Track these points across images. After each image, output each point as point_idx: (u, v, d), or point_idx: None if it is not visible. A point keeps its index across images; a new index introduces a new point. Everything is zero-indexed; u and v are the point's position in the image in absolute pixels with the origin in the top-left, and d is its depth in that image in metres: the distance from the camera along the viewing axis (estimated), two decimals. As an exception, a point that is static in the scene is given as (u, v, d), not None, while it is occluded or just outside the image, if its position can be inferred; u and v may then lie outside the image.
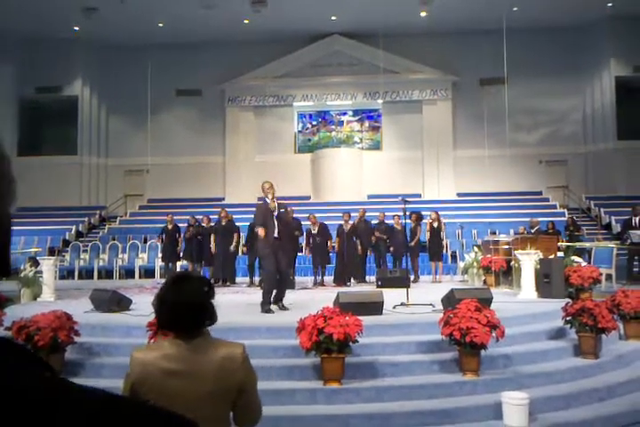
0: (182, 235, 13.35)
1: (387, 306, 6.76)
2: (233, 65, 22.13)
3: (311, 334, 4.91)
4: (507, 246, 10.57)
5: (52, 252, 16.30)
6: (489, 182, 21.41)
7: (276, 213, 7.45)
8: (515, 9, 19.36)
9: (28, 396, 0.53)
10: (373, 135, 23.30)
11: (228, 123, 22.90)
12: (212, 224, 13.08)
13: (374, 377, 5.23)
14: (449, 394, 5.04)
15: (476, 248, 12.58)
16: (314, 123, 23.63)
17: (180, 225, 13.66)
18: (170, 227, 13.53)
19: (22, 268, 9.84)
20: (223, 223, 12.64)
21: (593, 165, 21.60)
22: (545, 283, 8.32)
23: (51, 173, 21.79)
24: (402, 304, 7.27)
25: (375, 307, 6.54)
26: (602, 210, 19.14)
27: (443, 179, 21.86)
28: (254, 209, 7.89)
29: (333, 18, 20.69)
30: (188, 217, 13.99)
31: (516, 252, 9.17)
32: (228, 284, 12.37)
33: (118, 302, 7.31)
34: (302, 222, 12.51)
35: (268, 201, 7.49)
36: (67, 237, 18.96)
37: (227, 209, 13.56)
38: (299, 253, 12.89)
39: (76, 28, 20.68)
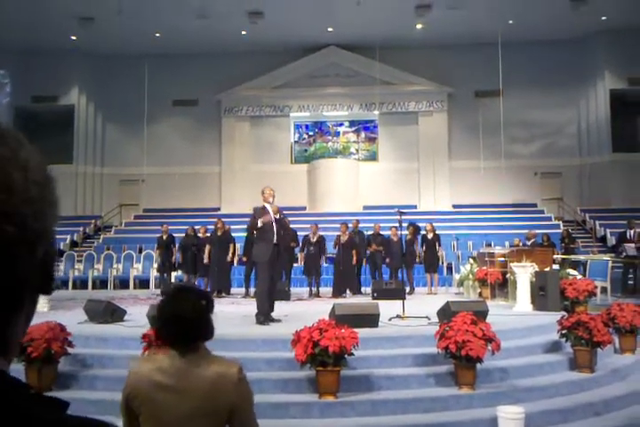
0: (177, 245, 13.30)
1: (382, 318, 6.74)
2: (229, 75, 22.20)
3: (306, 347, 4.88)
4: (502, 259, 10.57)
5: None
6: (484, 194, 21.46)
7: (277, 217, 7.40)
8: (510, 22, 19.52)
9: None
10: (369, 146, 23.36)
11: (224, 133, 22.93)
12: (208, 235, 13.05)
13: (370, 390, 5.20)
14: (445, 408, 5.02)
15: (471, 260, 12.58)
16: (310, 133, 23.69)
17: (174, 235, 13.62)
18: (164, 237, 13.49)
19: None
20: (219, 234, 12.62)
21: (588, 178, 21.69)
22: (540, 296, 8.32)
23: (46, 182, 21.71)
24: (398, 317, 7.26)
25: (371, 319, 6.51)
26: (597, 222, 19.19)
27: (438, 190, 21.91)
28: (251, 213, 7.73)
29: (330, 29, 20.81)
30: (185, 227, 13.95)
31: (511, 264, 9.17)
32: (223, 295, 12.32)
33: (112, 313, 7.26)
34: (299, 233, 12.50)
35: (269, 207, 7.45)
36: (61, 247, 18.86)
37: (223, 219, 13.54)
38: (294, 264, 12.86)
39: (73, 38, 20.72)
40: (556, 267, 9.90)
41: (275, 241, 7.33)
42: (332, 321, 5.29)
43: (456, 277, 13.28)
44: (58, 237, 18.24)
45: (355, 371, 5.34)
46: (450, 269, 15.58)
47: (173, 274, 13.91)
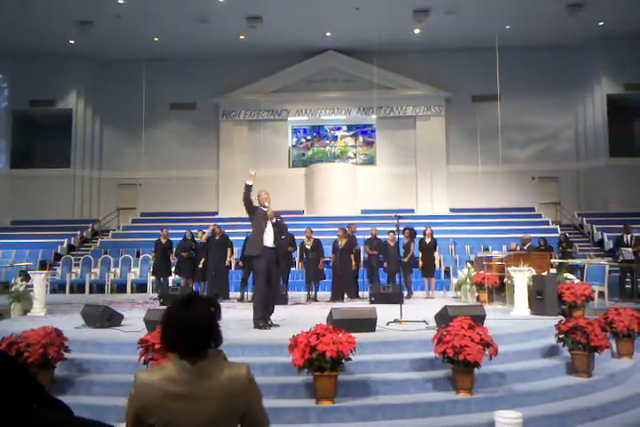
0: (175, 249, 13.28)
1: (380, 322, 6.73)
2: (227, 79, 22.24)
3: (304, 352, 4.87)
4: (500, 263, 10.57)
5: (43, 265, 16.20)
6: (482, 198, 21.51)
7: (273, 221, 7.39)
8: (507, 27, 19.60)
9: None
10: (367, 150, 23.39)
11: (222, 137, 22.95)
12: (205, 241, 13.02)
13: (367, 395, 5.18)
14: (442, 413, 5.01)
15: (469, 264, 12.58)
16: (308, 137, 23.72)
17: (172, 239, 13.61)
18: (164, 241, 13.47)
19: (13, 282, 9.77)
20: (217, 238, 12.61)
21: (585, 182, 21.75)
22: (538, 300, 8.32)
23: (44, 186, 21.74)
24: (395, 321, 7.25)
25: (368, 324, 6.51)
26: (594, 227, 19.23)
27: (436, 194, 21.94)
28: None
29: (328, 34, 20.87)
30: (183, 231, 13.93)
31: (508, 268, 9.18)
32: (220, 299, 12.29)
33: (109, 318, 7.24)
34: (296, 237, 12.49)
35: (265, 209, 7.44)
36: (58, 251, 18.85)
37: (220, 223, 13.53)
38: (292, 269, 12.86)
39: (72, 42, 20.74)
40: (553, 271, 9.90)
41: (271, 244, 7.32)
42: (330, 326, 5.28)
43: (454, 281, 13.28)
44: (56, 240, 18.28)
45: (352, 376, 5.33)
46: (447, 273, 15.58)
47: (170, 278, 13.88)
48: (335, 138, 23.71)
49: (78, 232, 20.63)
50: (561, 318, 7.07)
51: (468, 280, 11.71)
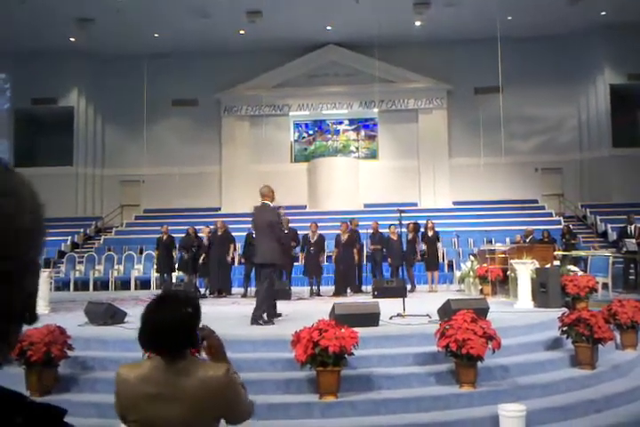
0: (178, 245, 13.29)
1: (383, 317, 6.73)
2: (229, 75, 22.18)
3: (306, 347, 4.87)
4: (503, 255, 10.56)
5: (47, 263, 16.24)
6: (485, 191, 21.44)
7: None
8: (509, 18, 19.48)
9: None
10: (369, 144, 23.34)
11: (223, 132, 22.92)
12: (208, 235, 13.02)
13: (370, 390, 5.19)
14: (446, 406, 5.01)
15: (472, 257, 12.56)
16: (310, 132, 23.67)
17: (175, 236, 13.61)
18: (164, 238, 13.48)
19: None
20: (219, 233, 12.61)
21: (588, 173, 21.65)
22: (541, 292, 8.30)
23: (46, 184, 21.63)
24: (398, 315, 7.24)
25: (371, 318, 6.50)
26: (598, 218, 19.15)
27: (439, 187, 21.89)
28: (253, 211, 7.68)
29: (329, 28, 20.79)
30: (186, 227, 13.93)
31: (512, 261, 9.16)
32: (223, 294, 12.31)
33: (113, 315, 7.25)
34: (300, 231, 12.48)
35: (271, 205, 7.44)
36: (62, 249, 18.88)
37: (223, 219, 13.52)
38: (294, 264, 12.85)
39: (72, 39, 20.71)
40: (556, 263, 9.88)
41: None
42: (332, 321, 5.28)
43: (457, 274, 13.27)
44: (59, 238, 18.24)
45: (355, 370, 5.34)
46: (451, 266, 15.57)
47: (174, 274, 13.89)
48: (337, 132, 23.66)
49: (82, 230, 20.66)
50: (564, 310, 7.06)
51: (471, 273, 11.70)
